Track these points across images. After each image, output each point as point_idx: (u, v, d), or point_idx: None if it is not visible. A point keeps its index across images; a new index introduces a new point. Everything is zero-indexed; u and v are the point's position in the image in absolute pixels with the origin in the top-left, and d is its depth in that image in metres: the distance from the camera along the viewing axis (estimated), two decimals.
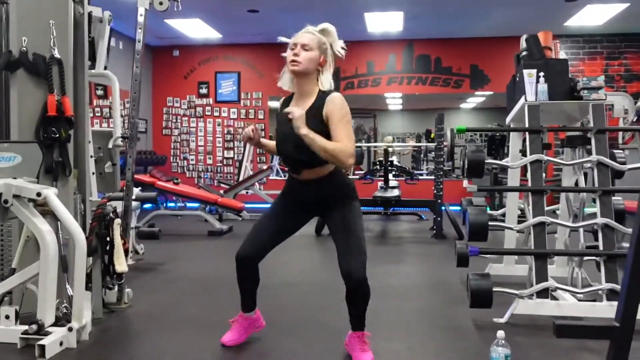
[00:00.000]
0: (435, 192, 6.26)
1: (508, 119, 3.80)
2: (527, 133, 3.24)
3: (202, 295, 3.74)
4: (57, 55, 2.86)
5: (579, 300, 3.01)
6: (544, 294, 2.97)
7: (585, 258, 3.24)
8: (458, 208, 8.21)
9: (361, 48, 9.81)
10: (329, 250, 5.51)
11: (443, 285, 3.98)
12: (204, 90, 10.32)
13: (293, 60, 2.28)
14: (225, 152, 10.33)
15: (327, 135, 2.25)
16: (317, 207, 2.47)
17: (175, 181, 6.67)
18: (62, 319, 2.65)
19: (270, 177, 10.10)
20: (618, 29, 8.94)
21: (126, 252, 3.12)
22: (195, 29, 9.03)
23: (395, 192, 6.60)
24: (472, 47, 9.57)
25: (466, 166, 3.16)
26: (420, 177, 9.06)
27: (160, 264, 4.72)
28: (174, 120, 10.44)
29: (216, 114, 10.31)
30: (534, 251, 3.05)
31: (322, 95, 2.31)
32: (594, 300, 2.99)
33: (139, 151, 9.31)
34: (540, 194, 3.13)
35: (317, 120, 2.27)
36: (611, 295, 2.91)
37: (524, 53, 3.49)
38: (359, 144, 8.42)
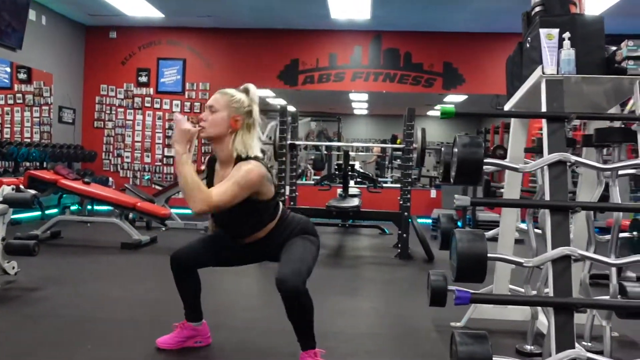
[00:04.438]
0: (401, 203, 5.19)
1: (507, 106, 2.74)
2: (544, 121, 2.18)
3: (74, 346, 2.54)
4: None
5: None
6: None
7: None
8: (427, 221, 7.21)
9: (323, 38, 8.73)
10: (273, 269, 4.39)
11: (411, 334, 2.89)
12: (143, 79, 9.03)
13: (200, 125, 2.18)
14: (166, 149, 9.06)
15: (256, 207, 2.17)
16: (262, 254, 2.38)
17: (86, 180, 5.41)
18: None
19: None
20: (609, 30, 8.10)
21: None
22: (135, 6, 7.77)
23: (355, 202, 5.50)
24: (447, 42, 8.60)
25: (454, 168, 2.08)
26: (384, 185, 8.01)
27: (34, 289, 3.50)
28: (108, 112, 9.11)
29: (157, 106, 9.04)
30: (554, 300, 1.98)
31: (240, 159, 2.16)
32: None
33: (62, 145, 7.99)
34: (564, 212, 2.06)
35: None
36: None
37: (538, 8, 2.44)
38: (319, 143, 7.31)
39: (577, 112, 2.19)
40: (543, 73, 2.22)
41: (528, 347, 2.59)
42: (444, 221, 2.84)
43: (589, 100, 2.59)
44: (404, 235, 5.09)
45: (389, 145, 9.70)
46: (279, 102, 11.92)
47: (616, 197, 2.28)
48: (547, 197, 2.12)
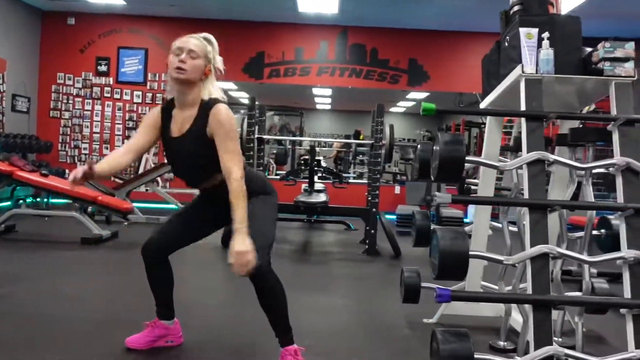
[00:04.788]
0: (369, 199, 5.19)
1: (484, 104, 2.75)
2: (523, 120, 2.20)
3: (35, 347, 2.41)
4: None
5: None
6: None
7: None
8: (392, 217, 7.25)
9: (290, 31, 8.66)
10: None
11: (385, 331, 2.89)
12: (103, 68, 8.76)
13: (179, 68, 2.12)
14: (126, 141, 8.82)
15: (214, 153, 2.12)
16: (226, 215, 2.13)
17: (44, 172, 5.19)
18: None
19: None
20: None
21: None
22: None
23: (322, 197, 5.47)
24: (413, 39, 8.67)
25: (436, 165, 2.07)
26: (349, 181, 8.00)
27: None
28: (65, 101, 8.80)
29: (117, 96, 8.78)
30: (533, 298, 2.00)
31: (205, 107, 2.17)
32: None
33: (16, 135, 7.65)
34: (542, 210, 2.08)
35: (202, 140, 2.15)
36: None
37: (517, 7, 2.46)
38: (283, 137, 7.23)
39: (553, 111, 2.21)
40: (523, 72, 2.23)
41: (501, 343, 2.62)
42: (419, 218, 2.83)
43: (562, 99, 2.63)
44: (372, 231, 5.09)
45: (357, 141, 9.69)
46: (241, 95, 11.79)
47: (589, 195, 2.32)
48: (525, 195, 2.14)
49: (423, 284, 3.01)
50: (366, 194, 5.75)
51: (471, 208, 8.49)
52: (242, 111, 12.31)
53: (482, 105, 2.77)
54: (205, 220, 2.37)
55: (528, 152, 2.14)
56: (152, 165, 7.35)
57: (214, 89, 2.22)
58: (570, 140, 2.38)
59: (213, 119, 2.12)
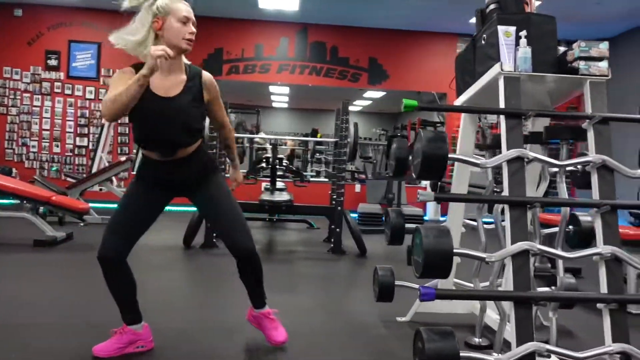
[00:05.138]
0: (335, 197, 5.16)
1: (459, 102, 2.76)
2: (502, 118, 2.20)
3: None
4: None
5: None
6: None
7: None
8: (353, 216, 7.23)
9: (250, 28, 8.54)
10: (203, 265, 4.20)
11: (361, 331, 2.85)
12: (53, 62, 8.40)
13: (190, 40, 2.18)
14: (78, 139, 8.49)
15: (202, 114, 2.30)
16: (181, 187, 2.31)
17: None
18: None
19: (134, 172, 8.47)
20: None
21: None
22: None
23: (287, 196, 5.40)
24: (372, 38, 8.70)
25: (419, 163, 2.04)
26: (310, 180, 7.96)
27: None
28: (12, 96, 8.39)
29: (68, 92, 8.44)
30: (515, 295, 2.01)
31: (194, 72, 2.25)
32: None
33: None
34: (522, 207, 2.10)
35: (197, 103, 2.23)
36: None
37: (493, 5, 2.47)
38: (241, 135, 7.12)
39: (531, 109, 2.23)
40: (502, 70, 2.24)
41: (476, 340, 2.63)
42: (393, 216, 2.81)
43: (534, 98, 2.66)
44: (338, 229, 5.06)
45: (323, 139, 9.64)
46: None
47: (564, 192, 2.35)
48: (505, 192, 2.14)
49: (397, 282, 3.01)
50: (330, 192, 5.73)
51: (430, 206, 8.61)
52: None
53: (457, 102, 2.77)
54: (152, 203, 2.30)
55: (508, 149, 2.15)
56: (107, 164, 7.09)
57: None
58: (545, 139, 2.41)
59: (209, 82, 2.28)
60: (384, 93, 10.03)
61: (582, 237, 2.70)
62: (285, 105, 15.52)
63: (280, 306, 2.62)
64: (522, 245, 2.04)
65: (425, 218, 7.40)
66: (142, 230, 2.28)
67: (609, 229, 2.11)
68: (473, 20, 7.53)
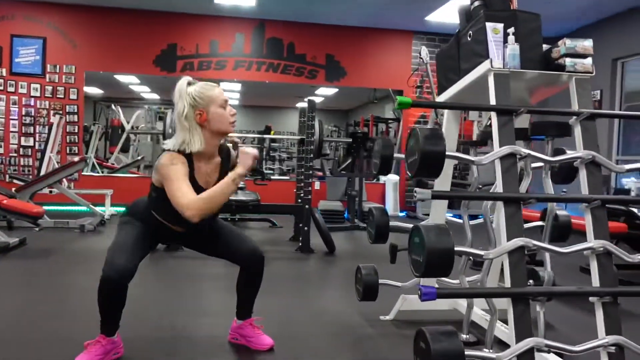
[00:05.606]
0: (302, 195, 5.10)
1: (442, 98, 2.75)
2: (494, 114, 2.21)
3: None
4: None
5: None
6: (527, 356, 1.95)
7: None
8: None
9: (204, 23, 8.33)
10: (169, 271, 4.05)
11: (348, 331, 2.81)
12: None
13: (234, 123, 2.27)
14: (23, 138, 8.05)
15: None
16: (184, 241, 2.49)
17: None
18: None
19: (84, 173, 8.13)
20: None
21: None
22: None
23: (253, 195, 5.30)
24: (329, 35, 8.66)
25: (417, 160, 2.02)
26: (271, 178, 7.88)
27: None
28: None
29: (11, 89, 7.98)
30: (513, 291, 2.01)
31: (224, 151, 2.35)
32: None
33: None
34: (517, 204, 2.11)
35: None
36: (618, 353, 1.98)
37: (477, 2, 2.47)
38: None
39: (523, 105, 2.25)
40: (492, 67, 2.24)
41: (464, 336, 2.64)
42: (377, 214, 2.79)
43: (513, 94, 2.68)
44: (305, 228, 5.00)
45: (290, 137, 9.56)
46: (143, 89, 11.21)
47: (550, 187, 2.39)
48: (499, 189, 2.15)
49: (381, 281, 2.99)
50: (295, 190, 5.66)
51: (389, 201, 8.68)
52: (147, 106, 11.76)
53: (440, 99, 2.77)
54: (150, 241, 2.35)
55: (500, 146, 2.16)
56: (56, 165, 6.75)
57: None
58: (531, 135, 2.44)
59: (232, 156, 2.36)
60: (336, 90, 10.02)
61: (560, 232, 2.77)
62: (237, 102, 15.29)
63: (260, 310, 2.55)
64: (517, 241, 2.05)
65: (347, 216, 7.51)
66: (145, 254, 2.28)
67: (599, 223, 2.14)
68: (429, 17, 7.66)
